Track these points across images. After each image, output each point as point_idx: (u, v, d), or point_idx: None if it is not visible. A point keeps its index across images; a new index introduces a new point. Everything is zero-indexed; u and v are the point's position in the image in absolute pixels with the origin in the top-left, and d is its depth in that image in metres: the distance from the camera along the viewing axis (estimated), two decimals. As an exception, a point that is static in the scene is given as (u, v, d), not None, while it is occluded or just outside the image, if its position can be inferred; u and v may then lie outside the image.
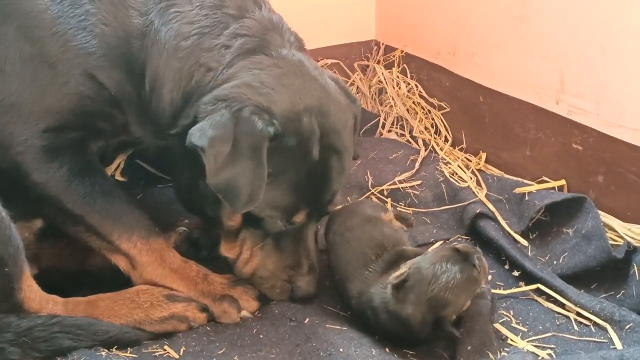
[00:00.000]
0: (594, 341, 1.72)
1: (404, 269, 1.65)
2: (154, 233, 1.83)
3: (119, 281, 1.85)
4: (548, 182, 2.23)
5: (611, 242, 1.95)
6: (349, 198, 2.43)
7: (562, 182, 2.20)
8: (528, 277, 1.95)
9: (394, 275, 1.66)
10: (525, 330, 1.78)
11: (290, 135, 1.60)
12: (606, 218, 2.04)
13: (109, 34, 1.70)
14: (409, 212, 2.29)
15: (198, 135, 1.56)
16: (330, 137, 1.66)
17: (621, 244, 1.92)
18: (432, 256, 1.64)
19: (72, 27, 1.68)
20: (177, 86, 1.69)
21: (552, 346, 1.71)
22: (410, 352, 1.74)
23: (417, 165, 2.46)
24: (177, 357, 1.70)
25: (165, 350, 1.71)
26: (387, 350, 1.72)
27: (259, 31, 1.71)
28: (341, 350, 1.71)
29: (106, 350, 1.66)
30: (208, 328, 1.80)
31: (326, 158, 1.66)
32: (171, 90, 1.69)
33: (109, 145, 1.93)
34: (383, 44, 2.99)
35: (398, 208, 2.36)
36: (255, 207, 1.62)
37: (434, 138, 2.63)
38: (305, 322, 1.79)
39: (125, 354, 1.68)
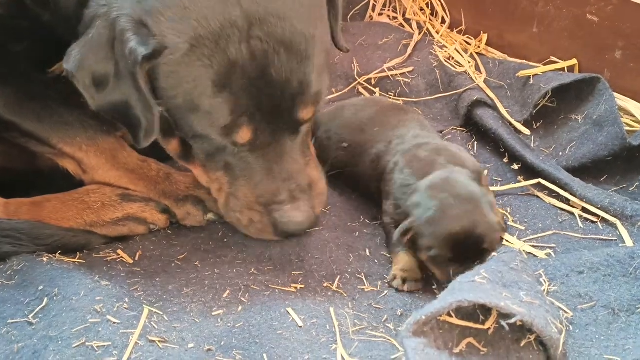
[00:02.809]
0: (601, 239, 1.52)
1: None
2: (102, 132, 1.64)
3: (73, 182, 1.69)
4: (557, 62, 1.98)
5: (626, 127, 1.73)
6: (334, 90, 2.26)
7: (573, 61, 1.95)
8: (529, 171, 1.76)
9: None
10: (523, 228, 1.60)
11: (186, 44, 1.27)
12: (622, 101, 1.81)
13: None
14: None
15: (71, 58, 1.33)
16: (268, 25, 1.29)
17: (638, 129, 1.71)
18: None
19: None
20: None
21: (552, 245, 1.51)
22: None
23: (409, 50, 2.24)
24: (132, 261, 1.56)
25: (118, 254, 1.58)
26: (367, 253, 1.57)
27: None
28: (317, 256, 1.56)
29: (49, 256, 1.52)
30: (169, 232, 1.66)
31: (266, 54, 1.30)
32: None
33: (45, 46, 1.68)
34: None
35: (387, 99, 2.14)
36: (182, 134, 1.40)
37: (430, 20, 2.38)
38: (276, 223, 1.61)
39: (72, 259, 1.55)
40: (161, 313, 1.35)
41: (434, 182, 1.41)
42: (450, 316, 1.11)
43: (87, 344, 1.21)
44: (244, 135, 1.36)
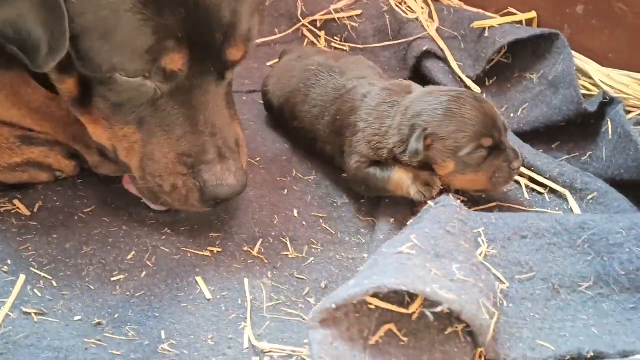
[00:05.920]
0: (547, 212, 1.40)
1: None
2: (1, 64, 1.41)
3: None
4: (515, 14, 1.83)
5: (584, 91, 1.60)
6: (276, 30, 2.08)
7: (532, 14, 1.80)
8: (476, 131, 1.60)
9: None
10: (466, 199, 1.44)
11: None
12: (581, 61, 1.67)
13: None
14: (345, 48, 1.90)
15: None
16: None
17: (595, 94, 1.57)
18: None
19: None
20: None
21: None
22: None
23: (358, -9, 2.05)
24: (28, 214, 1.38)
25: (14, 205, 1.40)
26: (295, 214, 1.43)
27: None
28: (239, 217, 1.39)
29: None
30: (79, 181, 1.48)
31: None
32: None
33: None
34: None
35: (332, 43, 1.96)
36: (88, 70, 1.18)
37: (384, -42, 2.17)
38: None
39: (-44, 210, 1.34)
40: (50, 278, 1.18)
41: (426, 89, 1.29)
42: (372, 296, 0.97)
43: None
44: (172, 62, 1.16)
